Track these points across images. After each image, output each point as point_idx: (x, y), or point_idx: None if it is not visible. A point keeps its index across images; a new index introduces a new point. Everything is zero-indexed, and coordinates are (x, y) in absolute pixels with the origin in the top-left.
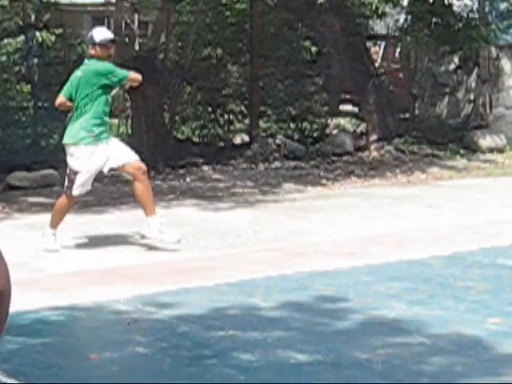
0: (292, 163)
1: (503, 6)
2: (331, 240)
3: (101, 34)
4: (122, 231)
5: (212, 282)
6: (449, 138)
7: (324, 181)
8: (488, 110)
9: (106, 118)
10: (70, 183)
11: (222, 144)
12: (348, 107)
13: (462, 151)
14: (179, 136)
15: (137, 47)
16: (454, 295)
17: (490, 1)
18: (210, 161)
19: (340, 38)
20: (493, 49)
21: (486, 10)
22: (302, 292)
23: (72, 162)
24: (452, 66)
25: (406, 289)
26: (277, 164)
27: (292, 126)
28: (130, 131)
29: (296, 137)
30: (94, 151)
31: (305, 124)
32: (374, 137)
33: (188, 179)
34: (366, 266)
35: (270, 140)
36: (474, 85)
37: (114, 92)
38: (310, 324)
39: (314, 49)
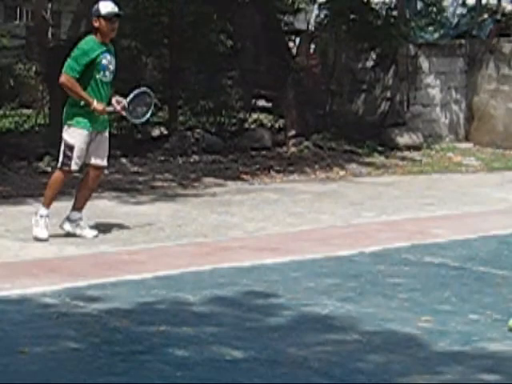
0: (210, 157)
1: (421, 4)
2: (256, 235)
3: (107, 6)
4: None
5: (139, 276)
6: (366, 135)
7: (243, 175)
8: (405, 108)
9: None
10: (66, 158)
11: (139, 136)
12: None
13: (379, 148)
14: None
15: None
16: (385, 292)
17: None
18: (127, 153)
19: (260, 32)
20: (411, 47)
21: (405, 7)
22: (231, 287)
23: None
24: (370, 63)
25: (336, 285)
26: (195, 158)
27: (210, 119)
28: (48, 121)
29: (214, 130)
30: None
31: (223, 118)
32: (292, 132)
33: (106, 171)
34: (294, 261)
35: (189, 133)
36: (391, 82)
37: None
38: (242, 320)
39: (230, 42)
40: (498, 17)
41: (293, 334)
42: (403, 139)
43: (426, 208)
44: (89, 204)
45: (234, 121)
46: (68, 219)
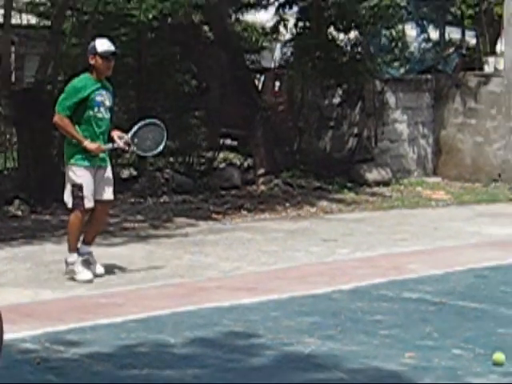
0: (181, 197)
1: (385, 40)
2: (231, 275)
3: (104, 44)
4: (15, 267)
5: (117, 319)
6: (335, 172)
7: (214, 215)
8: (373, 144)
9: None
10: (77, 199)
11: None
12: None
13: (349, 184)
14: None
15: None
16: (366, 330)
17: (373, 35)
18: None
19: (227, 71)
20: (377, 82)
21: (370, 44)
22: (211, 328)
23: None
24: (337, 100)
25: (317, 324)
26: (165, 198)
27: (179, 159)
28: (16, 165)
29: (183, 170)
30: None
31: (192, 158)
32: (261, 170)
33: None
34: (272, 300)
35: (158, 174)
36: (358, 118)
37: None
38: (225, 361)
39: (194, 82)
40: (463, 51)
41: (277, 373)
42: (372, 175)
43: (400, 243)
44: (60, 247)
45: (202, 160)
46: (78, 252)
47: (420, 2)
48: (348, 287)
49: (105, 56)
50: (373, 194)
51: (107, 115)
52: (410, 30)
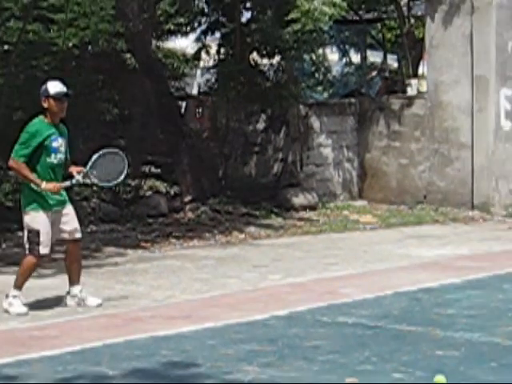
0: (108, 226)
1: (308, 64)
2: (165, 303)
3: (56, 86)
4: None
5: (53, 352)
6: (262, 197)
7: (143, 243)
8: (299, 168)
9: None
10: (33, 244)
11: None
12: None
13: (275, 210)
14: None
15: None
16: (304, 356)
17: (296, 59)
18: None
19: (151, 98)
20: (301, 107)
21: (293, 69)
22: (149, 358)
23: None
24: (261, 125)
25: (254, 351)
26: (92, 227)
27: (105, 188)
28: None
29: (110, 199)
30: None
31: (117, 186)
32: (188, 198)
33: (4, 245)
34: (208, 329)
35: (85, 203)
36: (283, 143)
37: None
38: None
39: (116, 111)
40: (386, 74)
41: None
42: (298, 199)
43: (330, 268)
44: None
45: (128, 189)
46: (69, 294)
47: (342, 26)
48: (283, 313)
49: (57, 98)
50: (300, 219)
51: (63, 161)
52: (332, 54)
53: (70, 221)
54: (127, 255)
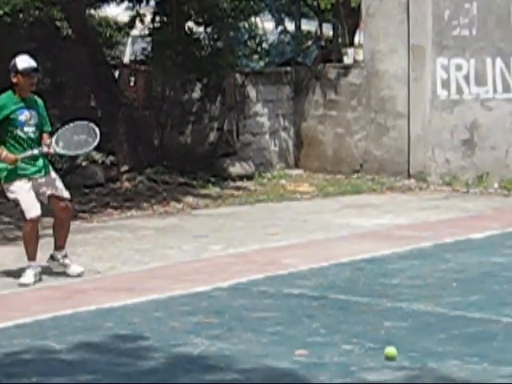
0: None
1: (245, 33)
2: (107, 275)
3: (24, 61)
4: None
5: None
6: (199, 167)
7: (80, 214)
8: (235, 137)
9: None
10: (21, 211)
11: None
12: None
13: (212, 179)
14: None
15: None
16: (252, 328)
17: (233, 28)
18: None
19: (87, 67)
20: (238, 76)
21: (229, 37)
22: (95, 331)
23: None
24: (197, 94)
25: (201, 323)
26: None
27: None
28: None
29: None
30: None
31: (52, 156)
32: (125, 167)
33: None
34: (153, 301)
35: None
36: (219, 112)
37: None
38: (115, 365)
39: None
40: (322, 43)
41: (169, 377)
42: (235, 169)
43: (271, 238)
44: None
45: (64, 158)
46: (52, 258)
47: None
48: (227, 284)
49: (26, 73)
50: (237, 188)
51: (34, 134)
52: (267, 23)
53: (55, 182)
54: None
